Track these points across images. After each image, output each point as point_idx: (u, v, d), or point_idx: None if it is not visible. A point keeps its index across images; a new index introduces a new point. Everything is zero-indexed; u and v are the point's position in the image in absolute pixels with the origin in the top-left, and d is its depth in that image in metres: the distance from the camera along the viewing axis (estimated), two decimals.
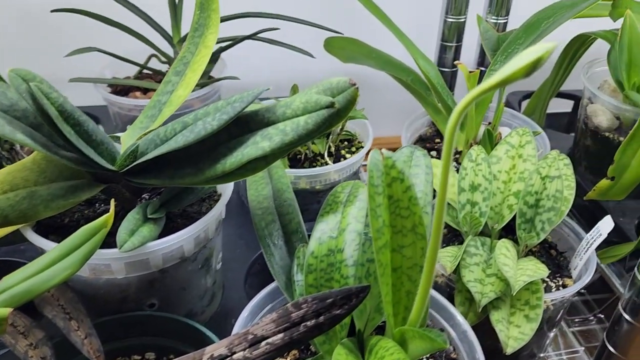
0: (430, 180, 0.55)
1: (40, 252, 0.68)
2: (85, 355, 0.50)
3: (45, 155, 0.53)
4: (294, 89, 0.76)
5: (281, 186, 0.59)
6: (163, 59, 0.93)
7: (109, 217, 0.48)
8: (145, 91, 0.91)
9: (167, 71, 0.91)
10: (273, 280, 0.80)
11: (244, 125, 0.49)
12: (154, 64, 0.94)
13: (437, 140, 0.88)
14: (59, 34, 0.96)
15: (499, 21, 0.94)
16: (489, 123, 0.91)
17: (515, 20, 0.95)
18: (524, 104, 1.09)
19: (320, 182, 0.73)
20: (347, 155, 0.78)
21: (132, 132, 0.60)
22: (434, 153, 0.86)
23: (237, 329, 0.49)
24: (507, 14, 0.94)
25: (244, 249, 0.72)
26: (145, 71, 0.95)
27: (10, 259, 0.68)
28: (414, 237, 0.45)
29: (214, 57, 0.92)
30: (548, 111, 1.05)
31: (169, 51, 0.91)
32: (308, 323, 0.43)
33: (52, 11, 0.83)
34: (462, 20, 0.94)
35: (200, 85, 0.88)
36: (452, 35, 0.95)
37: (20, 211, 0.51)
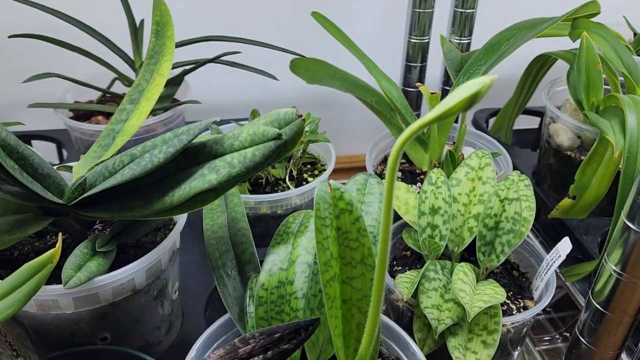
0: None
1: None
2: None
3: None
4: (254, 114, 0.76)
5: (236, 215, 0.58)
6: (127, 82, 0.92)
7: (55, 252, 0.47)
8: (108, 115, 0.90)
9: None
10: None
11: (192, 157, 0.49)
12: (118, 87, 0.93)
13: (402, 161, 0.88)
14: (19, 59, 0.95)
15: (462, 41, 0.95)
16: (454, 143, 0.91)
17: (479, 40, 0.96)
18: (492, 121, 1.10)
19: (282, 207, 0.73)
20: (310, 179, 0.78)
21: (85, 163, 0.59)
22: (398, 174, 0.86)
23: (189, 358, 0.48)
24: (470, 34, 0.95)
25: (205, 275, 0.71)
26: (108, 94, 0.94)
27: None
28: (363, 268, 0.45)
29: (178, 80, 0.91)
30: (516, 127, 1.06)
31: (131, 74, 0.90)
32: (256, 358, 0.43)
33: (9, 37, 0.82)
34: (426, 40, 0.94)
35: (163, 109, 0.88)
36: (417, 55, 0.96)
37: None
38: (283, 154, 0.47)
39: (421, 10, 0.92)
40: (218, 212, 0.59)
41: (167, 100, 0.91)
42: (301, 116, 0.47)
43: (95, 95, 0.95)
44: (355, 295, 0.45)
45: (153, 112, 0.91)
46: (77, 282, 0.47)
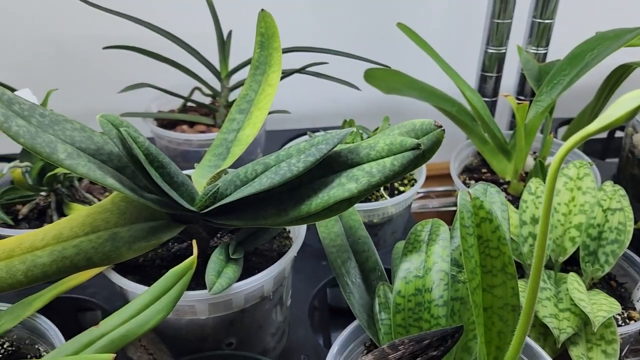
0: (506, 217, 0.55)
1: (110, 290, 0.69)
2: None
3: (126, 197, 0.54)
4: (350, 123, 0.77)
5: (353, 223, 0.59)
6: (207, 91, 0.94)
7: (193, 259, 0.49)
8: (191, 124, 0.91)
9: (212, 104, 0.93)
10: (339, 315, 0.80)
11: (327, 166, 0.50)
12: (197, 96, 0.95)
13: (484, 170, 0.89)
14: (109, 69, 0.97)
15: (538, 52, 0.95)
16: (534, 152, 0.92)
17: (554, 51, 0.96)
18: (561, 130, 1.10)
19: (377, 216, 0.73)
20: (401, 188, 0.79)
21: (202, 171, 0.61)
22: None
23: None
24: (547, 44, 0.95)
25: (304, 283, 0.72)
26: (188, 104, 0.96)
27: (77, 296, 0.68)
28: (504, 276, 0.46)
29: None
30: None
31: (216, 85, 0.92)
32: None
33: (104, 48, 0.84)
34: (503, 51, 0.95)
35: None
36: (493, 65, 0.96)
37: (104, 253, 0.51)
38: (421, 163, 0.48)
39: (500, 21, 0.93)
40: (332, 221, 0.60)
41: None
42: (441, 126, 0.48)
43: (174, 105, 0.97)
44: (497, 303, 0.46)
45: None
46: (219, 288, 0.48)
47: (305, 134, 0.96)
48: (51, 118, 0.48)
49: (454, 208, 1.09)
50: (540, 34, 0.94)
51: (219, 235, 0.60)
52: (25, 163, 0.71)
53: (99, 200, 0.74)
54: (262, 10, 0.65)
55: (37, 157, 0.71)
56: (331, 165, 0.50)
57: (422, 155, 0.47)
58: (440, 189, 1.14)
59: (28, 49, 0.98)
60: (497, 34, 0.93)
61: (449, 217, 1.13)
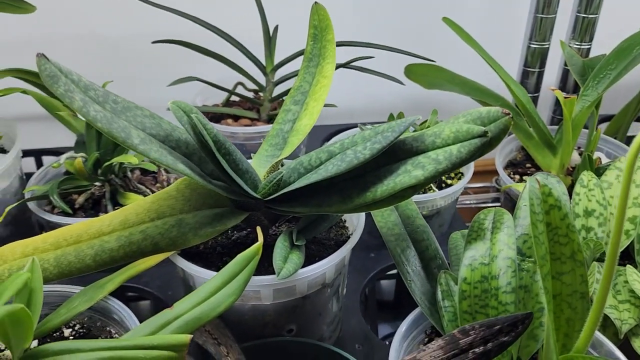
0: (568, 207, 0.55)
1: (163, 279, 0.70)
2: None
3: (190, 184, 0.55)
4: (400, 116, 0.77)
5: (410, 213, 0.59)
6: (249, 86, 0.95)
7: (260, 245, 0.49)
8: (236, 118, 0.92)
9: (255, 98, 0.93)
10: (388, 305, 0.81)
11: (392, 154, 0.50)
12: (239, 91, 0.96)
13: (528, 165, 0.88)
14: (152, 65, 0.99)
15: (582, 46, 0.95)
16: (578, 147, 0.91)
17: (595, 46, 0.96)
18: (601, 127, 1.09)
19: (426, 208, 0.74)
20: (448, 182, 0.79)
21: (260, 160, 0.61)
22: (526, 178, 0.86)
23: (393, 354, 0.49)
24: (591, 39, 0.94)
25: (353, 273, 0.72)
26: (231, 99, 0.97)
27: (131, 284, 0.69)
28: (572, 264, 0.46)
29: None
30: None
31: (259, 79, 0.93)
32: (476, 350, 0.44)
33: (153, 42, 0.85)
34: (546, 46, 0.95)
35: None
36: (536, 60, 0.96)
37: (170, 239, 0.52)
38: (487, 150, 0.48)
39: (544, 16, 0.92)
40: (387, 210, 0.60)
41: None
42: (508, 113, 0.48)
43: (218, 99, 0.98)
44: (565, 291, 0.45)
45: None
46: (287, 273, 0.48)
47: (344, 129, 0.96)
48: (123, 105, 0.49)
49: (491, 204, 1.09)
50: (584, 29, 0.93)
51: (277, 224, 0.61)
52: (80, 154, 0.72)
53: (151, 190, 0.75)
54: (316, 3, 0.65)
55: (91, 148, 0.73)
56: (396, 153, 0.50)
57: (488, 142, 0.48)
58: (478, 185, 1.14)
59: (76, 44, 0.99)
60: (541, 29, 0.93)
61: None
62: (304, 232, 0.55)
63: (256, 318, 0.54)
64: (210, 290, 0.46)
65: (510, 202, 0.84)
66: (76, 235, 0.53)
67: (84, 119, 0.45)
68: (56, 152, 0.95)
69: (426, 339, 0.54)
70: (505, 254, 0.49)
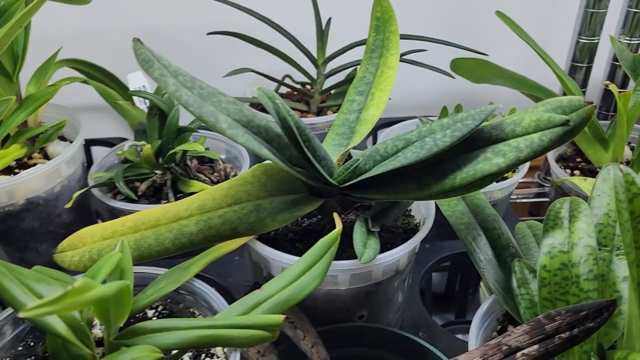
0: None
1: (224, 267, 0.71)
2: None
3: (266, 170, 0.56)
4: (458, 108, 0.78)
5: (479, 202, 0.60)
6: (298, 79, 0.96)
7: (339, 230, 0.50)
8: None
9: (306, 89, 0.94)
10: (449, 295, 0.82)
11: (470, 142, 0.50)
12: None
13: (578, 159, 0.88)
14: (203, 57, 1.00)
15: (632, 42, 0.95)
16: (629, 143, 0.91)
17: None
18: None
19: None
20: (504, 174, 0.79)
21: (328, 149, 0.62)
22: (577, 172, 0.86)
23: (473, 340, 0.50)
24: None
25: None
26: (279, 91, 0.97)
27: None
28: None
29: (349, 78, 0.94)
30: None
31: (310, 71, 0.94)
32: (562, 335, 0.44)
33: (208, 34, 0.86)
34: (596, 41, 0.95)
35: (337, 106, 0.90)
36: (584, 56, 0.96)
37: (249, 224, 0.53)
38: (568, 139, 0.49)
39: (594, 11, 0.92)
40: (454, 200, 0.61)
41: (340, 98, 0.93)
42: (591, 102, 0.48)
43: None
44: None
45: (330, 109, 0.95)
46: (368, 257, 0.49)
47: (392, 123, 0.96)
48: (208, 90, 0.50)
49: (533, 199, 1.09)
50: (635, 24, 0.93)
51: (347, 212, 0.61)
52: (142, 142, 0.74)
53: (209, 179, 0.76)
54: None
55: (152, 137, 0.74)
56: (475, 141, 0.50)
57: (570, 131, 0.48)
58: (521, 180, 1.14)
59: (125, 37, 1.00)
60: (591, 24, 0.93)
61: (525, 208, 1.13)
62: (376, 220, 0.56)
63: (330, 303, 0.55)
64: (296, 273, 0.47)
65: (562, 197, 0.84)
66: (154, 219, 0.54)
67: (176, 102, 0.46)
68: (104, 142, 0.96)
69: (499, 327, 0.55)
70: (585, 242, 0.49)
